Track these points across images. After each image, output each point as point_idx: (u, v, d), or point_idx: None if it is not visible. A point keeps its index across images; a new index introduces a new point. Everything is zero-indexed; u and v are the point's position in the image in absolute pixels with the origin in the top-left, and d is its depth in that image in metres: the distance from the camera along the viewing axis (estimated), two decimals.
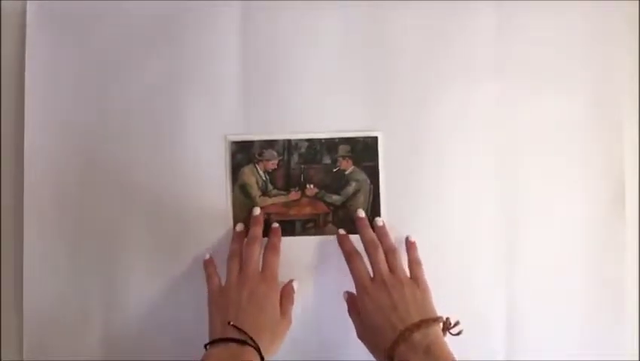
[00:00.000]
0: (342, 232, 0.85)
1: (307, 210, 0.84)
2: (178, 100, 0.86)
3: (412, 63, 0.86)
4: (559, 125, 0.86)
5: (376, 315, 0.76)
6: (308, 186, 0.85)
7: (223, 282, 0.80)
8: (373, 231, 0.83)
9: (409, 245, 0.83)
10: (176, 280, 0.84)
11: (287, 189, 0.85)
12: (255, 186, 0.85)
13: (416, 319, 0.75)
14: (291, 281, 0.83)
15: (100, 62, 0.86)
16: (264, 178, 0.85)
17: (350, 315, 0.82)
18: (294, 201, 0.84)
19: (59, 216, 0.85)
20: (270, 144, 0.85)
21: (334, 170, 0.85)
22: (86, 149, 0.85)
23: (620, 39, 0.86)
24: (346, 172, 0.85)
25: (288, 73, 0.86)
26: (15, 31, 0.87)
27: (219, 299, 0.78)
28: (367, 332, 0.78)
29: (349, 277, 0.81)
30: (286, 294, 0.81)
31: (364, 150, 0.85)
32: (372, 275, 0.79)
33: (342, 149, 0.85)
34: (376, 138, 0.85)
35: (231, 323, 0.73)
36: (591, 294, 0.84)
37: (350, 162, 0.84)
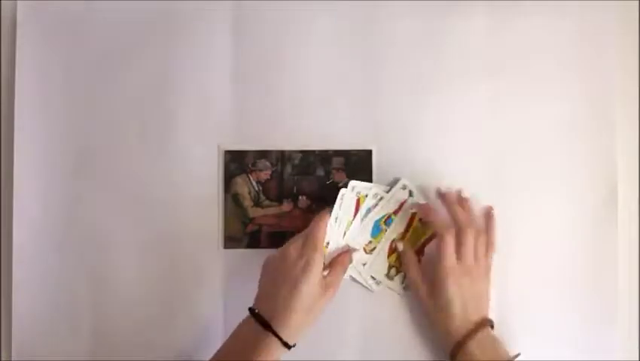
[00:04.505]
0: (422, 201, 0.84)
1: (299, 223, 0.84)
2: (170, 106, 0.85)
3: (403, 67, 0.86)
4: (552, 127, 0.86)
5: (455, 302, 0.77)
6: (300, 197, 0.84)
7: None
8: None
9: (490, 219, 0.83)
10: (165, 283, 0.85)
11: (279, 200, 0.85)
12: (248, 197, 0.84)
13: (480, 307, 0.79)
14: (348, 251, 0.82)
15: (90, 63, 0.86)
16: (257, 189, 0.84)
17: (415, 284, 0.82)
18: (286, 212, 0.84)
19: (48, 218, 0.85)
20: (264, 154, 0.84)
21: (327, 182, 0.84)
22: (76, 151, 0.85)
23: (611, 39, 0.86)
24: (340, 185, 0.84)
25: (282, 83, 0.86)
26: (5, 32, 0.86)
27: (268, 264, 0.79)
28: (438, 313, 0.79)
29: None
30: (338, 262, 0.80)
31: (358, 163, 0.84)
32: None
33: (336, 161, 0.84)
34: (370, 152, 0.84)
35: (256, 311, 0.75)
36: (582, 296, 0.85)
37: (344, 174, 0.84)
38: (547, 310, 0.84)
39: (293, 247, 0.77)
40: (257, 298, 0.77)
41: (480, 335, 0.76)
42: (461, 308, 0.77)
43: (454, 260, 0.78)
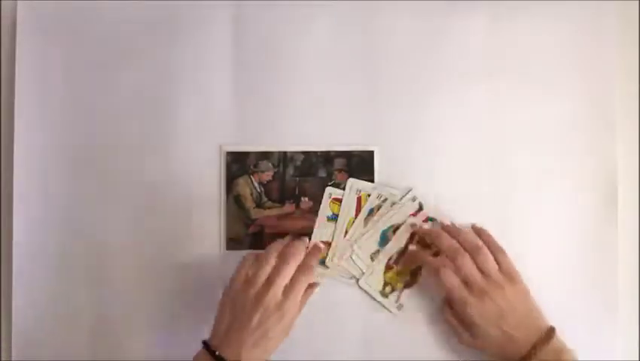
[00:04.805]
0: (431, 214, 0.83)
1: (301, 224, 0.84)
2: (170, 106, 0.85)
3: (404, 68, 0.86)
4: (552, 127, 0.86)
5: (487, 327, 0.76)
6: (303, 199, 0.84)
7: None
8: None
9: (481, 233, 0.81)
10: (166, 284, 0.84)
11: (281, 201, 0.84)
12: (249, 198, 0.84)
13: (527, 321, 0.76)
14: (312, 286, 0.80)
15: (90, 63, 0.85)
16: (259, 190, 0.84)
17: (456, 332, 0.81)
18: (289, 214, 0.84)
19: (48, 218, 0.84)
20: (266, 155, 0.84)
21: (330, 183, 0.84)
22: (76, 151, 0.85)
23: (611, 39, 0.86)
24: (341, 186, 0.84)
25: (283, 83, 0.85)
26: (5, 32, 0.86)
27: (234, 300, 0.75)
28: (480, 342, 0.77)
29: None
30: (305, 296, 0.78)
31: (360, 164, 0.84)
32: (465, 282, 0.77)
33: (338, 162, 0.84)
34: (372, 153, 0.84)
35: (217, 353, 0.72)
36: (583, 296, 0.85)
37: (346, 175, 0.84)
38: (547, 310, 0.83)
39: (270, 295, 0.73)
40: (220, 337, 0.74)
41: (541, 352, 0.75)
42: (503, 336, 0.75)
43: (463, 290, 0.76)
